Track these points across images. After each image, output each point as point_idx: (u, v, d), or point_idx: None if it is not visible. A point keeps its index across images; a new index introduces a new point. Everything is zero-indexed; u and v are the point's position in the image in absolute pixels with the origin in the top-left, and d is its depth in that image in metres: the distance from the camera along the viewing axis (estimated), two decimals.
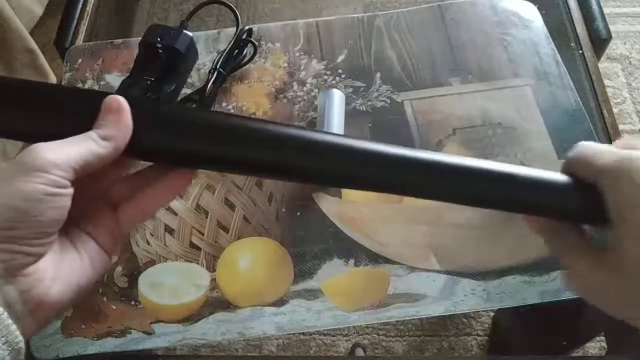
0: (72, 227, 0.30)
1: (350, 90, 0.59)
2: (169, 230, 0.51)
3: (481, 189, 0.32)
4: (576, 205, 0.31)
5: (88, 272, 0.30)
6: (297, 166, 0.32)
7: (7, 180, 0.27)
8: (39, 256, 0.27)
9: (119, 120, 0.29)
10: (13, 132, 0.31)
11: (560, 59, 0.60)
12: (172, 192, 0.33)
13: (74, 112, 0.31)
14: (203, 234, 0.51)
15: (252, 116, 0.58)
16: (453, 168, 0.31)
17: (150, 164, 0.33)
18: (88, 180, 0.30)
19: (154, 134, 0.31)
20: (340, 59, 0.61)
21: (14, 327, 0.26)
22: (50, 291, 0.27)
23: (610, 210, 0.29)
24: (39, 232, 0.27)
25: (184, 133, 0.31)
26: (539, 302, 0.47)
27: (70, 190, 0.28)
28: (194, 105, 0.56)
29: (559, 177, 0.32)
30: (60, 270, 0.28)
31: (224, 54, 0.58)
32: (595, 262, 0.30)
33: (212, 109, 0.58)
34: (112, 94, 0.31)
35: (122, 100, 0.30)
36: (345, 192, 0.52)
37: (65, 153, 0.28)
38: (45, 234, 0.27)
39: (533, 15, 0.64)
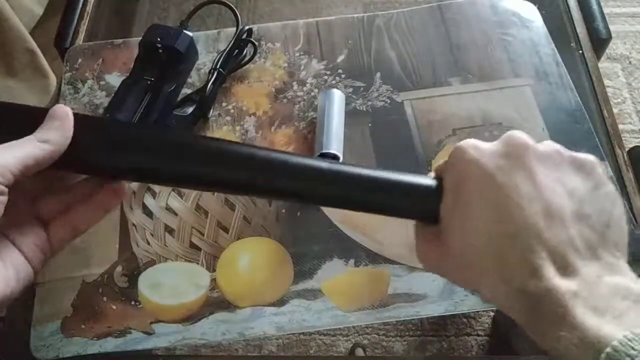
0: None
1: (350, 90, 0.59)
2: (169, 230, 0.51)
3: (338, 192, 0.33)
4: (423, 205, 0.32)
5: (12, 283, 0.29)
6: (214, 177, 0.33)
7: None
8: None
9: (60, 126, 0.30)
10: None
11: (560, 59, 0.60)
12: (103, 208, 0.33)
13: (20, 126, 0.31)
14: (203, 234, 0.51)
15: (251, 116, 0.58)
16: (317, 170, 0.32)
17: (80, 179, 0.34)
18: (17, 192, 0.30)
19: (90, 145, 0.32)
20: (340, 59, 0.61)
21: None
22: None
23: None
24: None
25: (118, 147, 0.32)
26: None
27: (5, 198, 0.27)
28: (194, 105, 0.56)
29: (419, 181, 0.32)
30: None
31: (224, 54, 0.58)
32: (433, 242, 0.32)
33: (212, 109, 0.58)
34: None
35: (67, 109, 0.31)
36: None
37: (4, 158, 0.28)
38: None
39: (533, 15, 0.64)
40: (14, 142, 0.29)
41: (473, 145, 0.30)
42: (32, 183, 0.31)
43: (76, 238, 0.33)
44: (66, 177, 0.34)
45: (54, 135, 0.30)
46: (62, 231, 0.32)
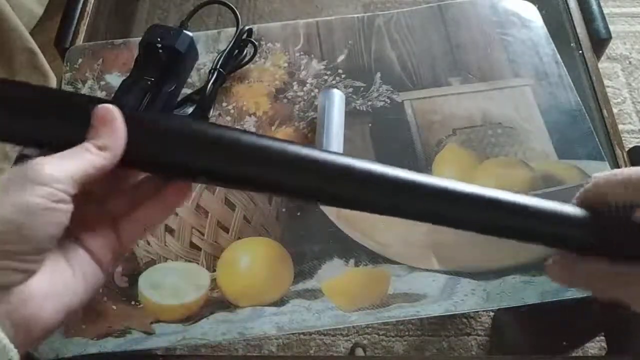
0: (67, 241, 0.29)
1: (350, 90, 0.59)
2: (169, 230, 0.51)
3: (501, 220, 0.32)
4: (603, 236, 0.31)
5: (80, 290, 0.29)
6: (291, 183, 0.31)
7: (2, 192, 0.26)
8: (30, 273, 0.26)
9: (113, 130, 0.29)
10: (4, 135, 0.31)
11: (560, 59, 0.60)
12: (169, 207, 0.33)
13: (67, 119, 0.30)
14: (203, 234, 0.51)
15: (251, 116, 0.58)
16: (480, 199, 0.32)
17: (146, 178, 0.33)
18: (85, 194, 0.29)
19: (147, 145, 0.30)
20: (340, 59, 0.61)
21: (6, 340, 0.25)
22: (40, 311, 0.26)
23: None
24: (33, 248, 0.26)
25: (176, 144, 0.31)
26: (539, 302, 0.47)
27: (70, 207, 0.27)
28: (194, 105, 0.56)
29: (576, 210, 0.32)
30: (53, 288, 0.27)
31: (224, 54, 0.58)
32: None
33: (212, 109, 0.58)
34: (104, 100, 0.30)
35: (114, 109, 0.29)
36: None
37: (65, 167, 0.27)
38: (39, 250, 0.26)
39: (533, 15, 0.64)
40: (71, 151, 0.28)
41: None
42: (98, 184, 0.30)
43: (145, 236, 0.32)
44: (131, 176, 0.33)
45: (110, 141, 0.29)
46: (131, 229, 0.32)
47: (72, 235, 0.30)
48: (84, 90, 0.60)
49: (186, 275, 0.49)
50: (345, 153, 0.53)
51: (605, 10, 0.65)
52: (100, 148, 0.28)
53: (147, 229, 0.33)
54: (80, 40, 0.65)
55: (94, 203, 0.31)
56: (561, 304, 0.47)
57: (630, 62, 1.43)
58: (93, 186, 0.29)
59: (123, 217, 0.32)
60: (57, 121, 0.30)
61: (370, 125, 0.57)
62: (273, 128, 0.57)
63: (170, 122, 0.31)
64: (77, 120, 0.30)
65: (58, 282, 0.28)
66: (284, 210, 0.52)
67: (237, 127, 0.57)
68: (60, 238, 0.27)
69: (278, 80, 0.60)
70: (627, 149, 0.55)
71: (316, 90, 0.59)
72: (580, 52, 0.62)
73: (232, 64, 0.59)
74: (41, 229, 0.26)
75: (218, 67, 0.57)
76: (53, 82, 1.18)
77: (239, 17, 0.60)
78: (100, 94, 0.60)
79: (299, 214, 0.52)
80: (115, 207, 0.32)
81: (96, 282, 0.30)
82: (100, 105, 0.29)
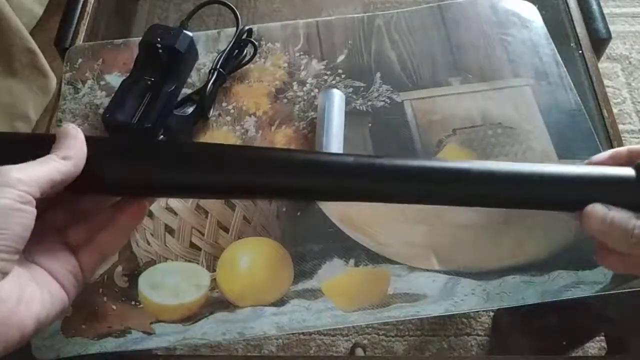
0: (30, 264, 0.31)
1: (350, 90, 0.59)
2: (169, 230, 0.51)
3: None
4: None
5: (47, 305, 0.30)
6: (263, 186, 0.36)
7: None
8: (3, 274, 0.28)
9: (75, 143, 0.32)
10: None
11: (560, 59, 0.60)
12: (125, 232, 0.36)
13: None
14: (203, 234, 0.51)
15: (251, 116, 0.58)
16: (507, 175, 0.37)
17: (102, 207, 0.36)
18: (46, 223, 0.31)
19: (108, 165, 0.34)
20: (340, 59, 0.61)
21: None
22: (14, 315, 0.28)
23: None
24: (7, 246, 0.27)
25: (135, 164, 0.34)
26: (539, 302, 0.47)
27: (34, 210, 0.29)
28: (194, 105, 0.56)
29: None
30: (23, 294, 0.29)
31: (224, 54, 0.58)
32: None
33: (212, 109, 0.58)
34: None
35: (75, 127, 0.33)
36: None
37: (31, 173, 0.29)
38: (12, 249, 0.28)
39: (533, 15, 0.64)
40: (38, 160, 0.30)
41: None
42: (58, 214, 0.34)
43: (105, 262, 0.36)
44: (89, 207, 0.36)
45: (72, 152, 0.31)
46: (90, 257, 0.34)
47: (34, 261, 0.31)
48: (84, 90, 0.60)
49: (186, 275, 0.49)
50: (345, 153, 0.53)
51: (605, 10, 0.65)
52: (64, 158, 0.31)
53: (104, 255, 0.35)
54: (80, 40, 0.65)
55: (55, 233, 0.34)
56: (561, 304, 0.47)
57: (630, 62, 1.43)
58: (53, 216, 0.33)
59: (82, 246, 0.34)
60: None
61: (370, 125, 0.57)
62: (273, 128, 0.57)
63: (124, 142, 0.35)
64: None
65: (26, 291, 0.29)
66: (284, 210, 0.52)
67: (236, 127, 0.57)
68: (24, 257, 0.30)
69: (278, 80, 0.60)
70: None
71: (316, 90, 0.59)
72: (580, 52, 0.62)
73: (232, 64, 0.59)
74: (12, 228, 0.27)
75: (218, 67, 0.57)
76: (53, 82, 1.18)
77: (239, 17, 0.60)
78: (100, 94, 0.60)
79: (299, 214, 0.52)
80: (74, 236, 0.34)
81: (62, 303, 0.32)
82: (65, 125, 0.33)
